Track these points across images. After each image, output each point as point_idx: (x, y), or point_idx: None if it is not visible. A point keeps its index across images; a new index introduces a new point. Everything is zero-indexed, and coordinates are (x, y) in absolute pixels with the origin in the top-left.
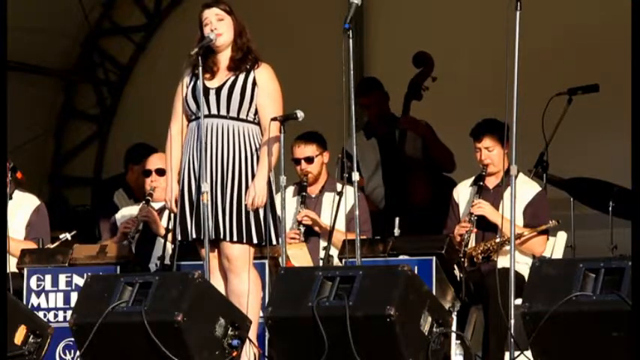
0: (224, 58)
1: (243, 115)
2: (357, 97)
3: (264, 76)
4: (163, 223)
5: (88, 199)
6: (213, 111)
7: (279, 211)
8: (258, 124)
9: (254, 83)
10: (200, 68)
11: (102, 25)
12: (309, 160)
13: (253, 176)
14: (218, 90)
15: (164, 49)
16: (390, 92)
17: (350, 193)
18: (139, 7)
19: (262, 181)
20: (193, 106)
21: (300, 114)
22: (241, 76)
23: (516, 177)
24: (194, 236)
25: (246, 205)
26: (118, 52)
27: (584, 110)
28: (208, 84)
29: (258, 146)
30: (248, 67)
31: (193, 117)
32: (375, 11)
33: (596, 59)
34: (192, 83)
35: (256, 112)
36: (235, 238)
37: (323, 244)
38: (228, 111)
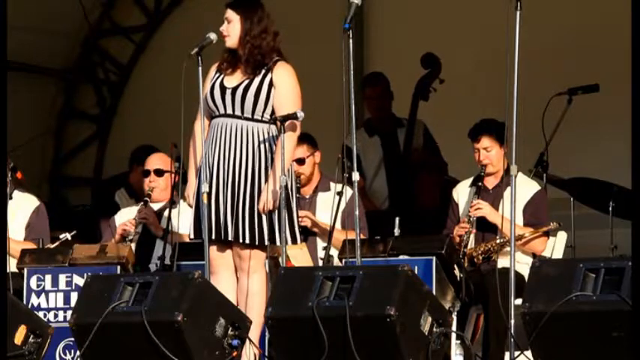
0: (243, 58)
1: (257, 116)
2: (363, 88)
3: (279, 76)
4: (163, 223)
5: (87, 199)
6: (229, 111)
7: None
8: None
9: (270, 84)
10: (199, 68)
11: (102, 25)
12: (301, 161)
13: (267, 177)
14: (234, 90)
15: (164, 49)
16: None
17: (347, 191)
18: (139, 7)
19: (273, 184)
20: (212, 105)
21: (300, 114)
22: (258, 77)
23: (516, 177)
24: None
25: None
26: (118, 52)
27: (584, 110)
28: (227, 83)
29: (274, 146)
30: (266, 67)
31: (213, 115)
32: (375, 11)
33: (596, 59)
34: (213, 82)
35: (273, 112)
36: (247, 240)
37: (321, 243)
38: (242, 111)
